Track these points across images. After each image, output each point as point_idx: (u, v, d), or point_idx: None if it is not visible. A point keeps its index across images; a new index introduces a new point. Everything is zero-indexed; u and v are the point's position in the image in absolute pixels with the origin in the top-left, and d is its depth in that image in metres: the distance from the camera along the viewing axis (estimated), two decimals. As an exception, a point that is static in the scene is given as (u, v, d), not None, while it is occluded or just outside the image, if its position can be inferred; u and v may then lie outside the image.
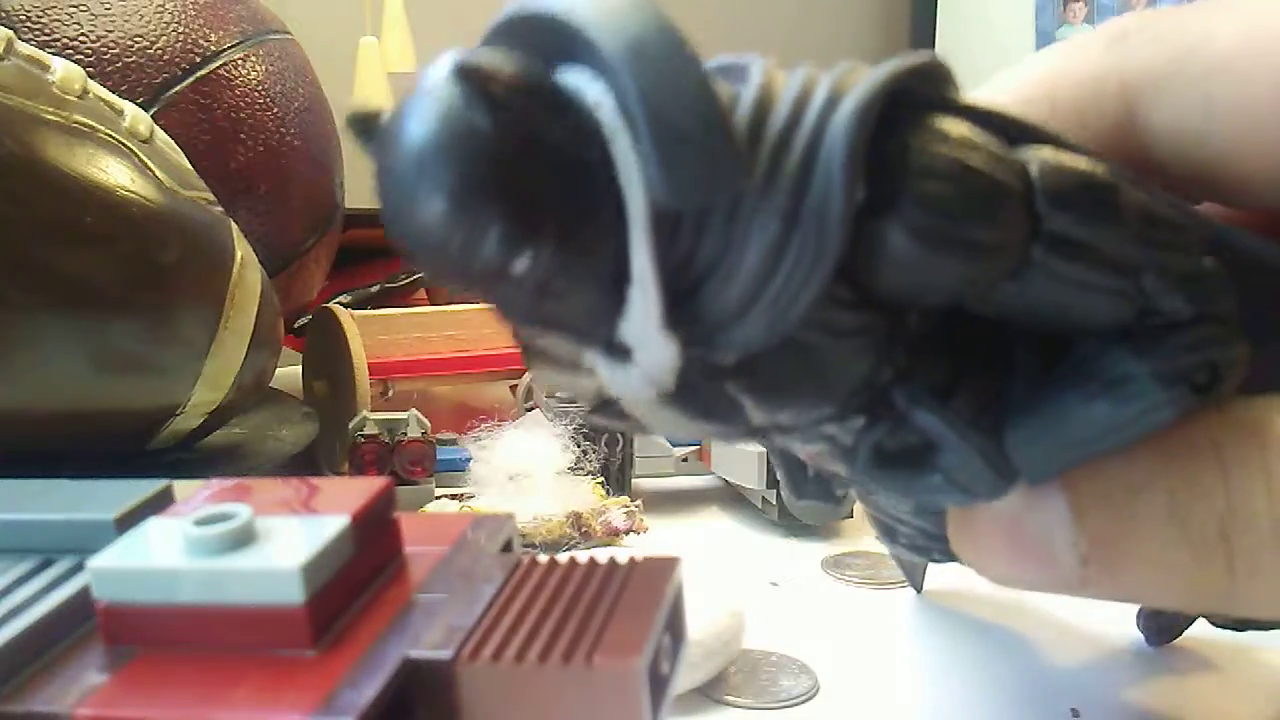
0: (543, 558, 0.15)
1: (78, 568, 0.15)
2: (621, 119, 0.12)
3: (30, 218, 0.29)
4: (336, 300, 0.54)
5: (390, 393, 0.45)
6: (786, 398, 0.15)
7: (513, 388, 0.48)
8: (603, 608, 0.13)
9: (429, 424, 0.37)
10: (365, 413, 0.37)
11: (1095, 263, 0.14)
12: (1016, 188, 0.14)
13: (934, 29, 1.33)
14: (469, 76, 0.12)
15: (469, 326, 0.47)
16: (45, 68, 0.32)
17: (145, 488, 0.16)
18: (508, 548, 0.16)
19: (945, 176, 0.13)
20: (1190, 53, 0.17)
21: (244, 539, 0.13)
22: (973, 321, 0.16)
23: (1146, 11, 0.18)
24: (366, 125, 0.13)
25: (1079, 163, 0.15)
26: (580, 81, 0.13)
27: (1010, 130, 0.15)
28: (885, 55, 0.14)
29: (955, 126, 0.14)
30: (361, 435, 0.36)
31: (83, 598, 0.14)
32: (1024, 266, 0.14)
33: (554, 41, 0.13)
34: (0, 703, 0.12)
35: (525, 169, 0.12)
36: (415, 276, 0.59)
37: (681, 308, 0.13)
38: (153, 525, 0.14)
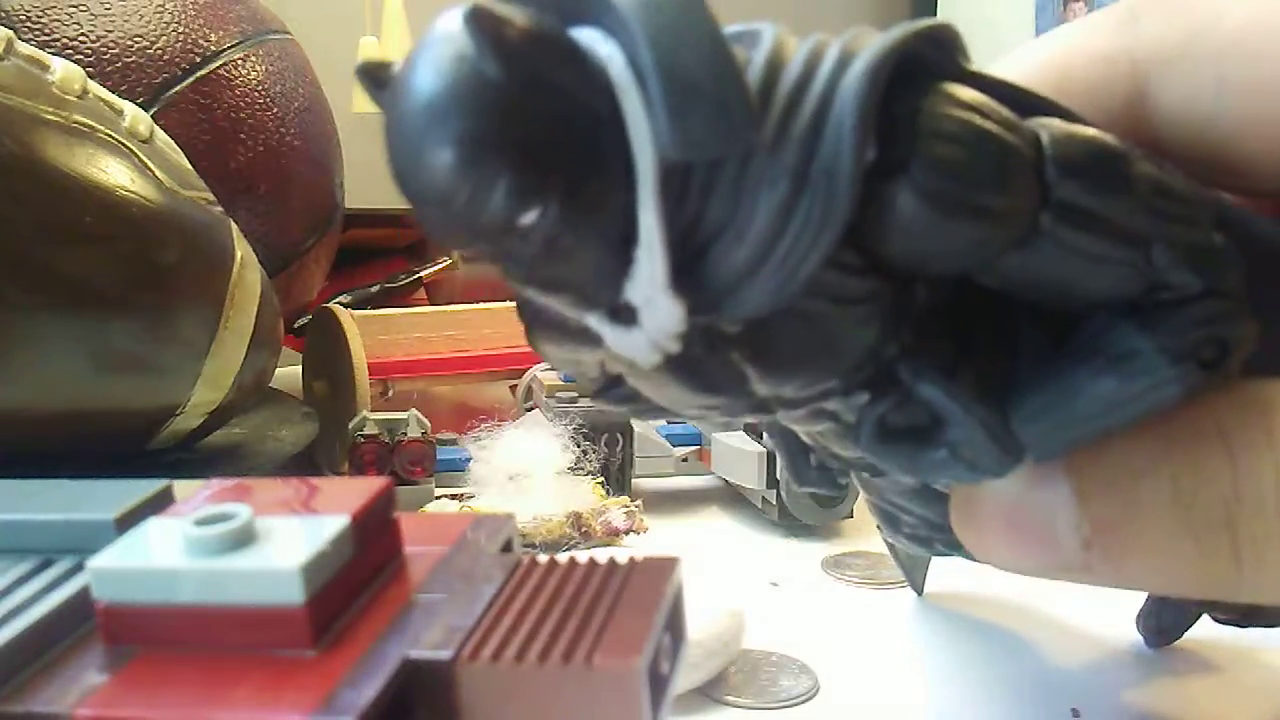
0: (543, 558, 0.15)
1: (78, 568, 0.15)
2: (631, 73, 0.12)
3: (30, 218, 0.29)
4: (336, 300, 0.54)
5: (390, 393, 0.45)
6: (791, 368, 0.15)
7: (513, 388, 0.48)
8: (603, 608, 0.13)
9: (429, 424, 0.37)
10: (365, 413, 0.37)
11: (1104, 233, 0.14)
12: (1027, 154, 0.14)
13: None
14: (482, 24, 0.12)
15: (469, 326, 0.47)
16: (45, 68, 0.32)
17: (145, 488, 0.16)
18: (508, 548, 0.16)
19: (956, 140, 0.13)
20: (1200, 33, 0.17)
21: (244, 539, 0.13)
22: (978, 301, 0.15)
23: None
24: (377, 76, 0.13)
25: (1090, 132, 0.14)
26: (592, 39, 0.13)
27: (1021, 101, 0.14)
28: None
29: (967, 92, 0.14)
30: (361, 435, 0.36)
31: (83, 598, 0.14)
32: (1033, 235, 0.14)
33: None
34: (0, 703, 0.12)
35: (535, 121, 0.12)
36: (415, 276, 0.59)
37: (689, 272, 0.13)
38: (153, 525, 0.14)
